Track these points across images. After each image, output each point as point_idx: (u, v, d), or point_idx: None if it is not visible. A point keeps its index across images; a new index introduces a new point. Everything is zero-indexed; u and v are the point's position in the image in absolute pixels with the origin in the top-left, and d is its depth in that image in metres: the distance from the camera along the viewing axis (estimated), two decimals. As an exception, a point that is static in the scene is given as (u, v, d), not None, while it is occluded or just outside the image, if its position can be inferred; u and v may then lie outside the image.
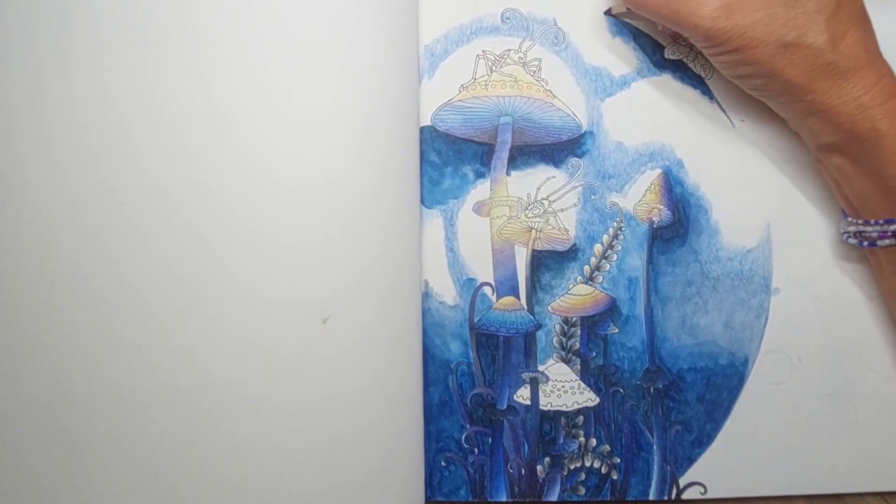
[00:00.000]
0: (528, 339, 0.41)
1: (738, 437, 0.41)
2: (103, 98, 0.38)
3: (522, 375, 0.41)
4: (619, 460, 0.41)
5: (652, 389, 0.41)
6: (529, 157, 0.42)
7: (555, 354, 0.42)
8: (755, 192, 0.42)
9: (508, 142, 0.42)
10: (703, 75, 0.42)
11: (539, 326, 0.42)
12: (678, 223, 0.42)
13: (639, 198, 0.42)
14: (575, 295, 0.42)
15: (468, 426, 0.41)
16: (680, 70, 0.42)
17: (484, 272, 0.41)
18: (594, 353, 0.42)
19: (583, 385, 0.41)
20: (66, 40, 0.38)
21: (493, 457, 0.41)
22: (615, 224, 0.42)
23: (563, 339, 0.42)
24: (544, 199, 0.42)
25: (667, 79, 0.42)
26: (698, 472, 0.41)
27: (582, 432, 0.41)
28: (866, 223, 0.38)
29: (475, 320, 0.41)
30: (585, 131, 0.42)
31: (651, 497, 0.41)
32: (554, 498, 0.41)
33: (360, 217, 0.39)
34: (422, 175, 0.41)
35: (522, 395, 0.41)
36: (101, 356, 0.38)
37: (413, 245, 0.41)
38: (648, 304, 0.42)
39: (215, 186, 0.38)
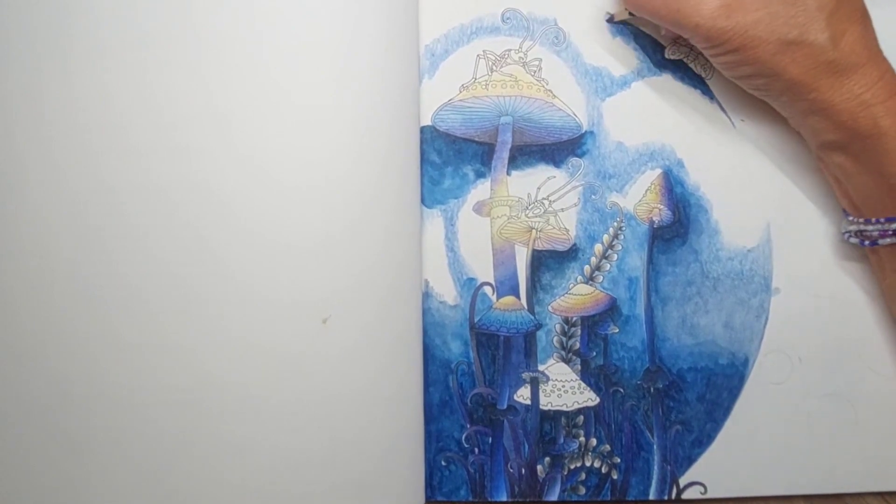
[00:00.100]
0: (529, 338, 0.41)
1: (738, 437, 0.41)
2: (103, 98, 0.38)
3: (523, 375, 0.41)
4: (619, 460, 0.41)
5: (652, 389, 0.41)
6: (530, 157, 0.42)
7: (555, 354, 0.42)
8: (755, 192, 0.42)
9: (509, 142, 0.42)
10: (703, 75, 0.42)
11: (539, 326, 0.42)
12: (678, 223, 0.42)
13: (639, 198, 0.42)
14: (575, 295, 0.42)
15: (468, 426, 0.41)
16: (680, 70, 0.42)
17: (484, 272, 0.41)
18: (594, 353, 0.42)
19: (583, 385, 0.41)
20: (66, 40, 0.38)
21: (493, 456, 0.41)
22: (615, 224, 0.42)
23: (564, 339, 0.42)
24: (545, 199, 0.42)
25: (667, 79, 0.42)
26: (698, 472, 0.41)
27: (582, 432, 0.41)
28: (867, 222, 0.38)
29: (475, 320, 0.41)
30: (586, 131, 0.42)
31: (651, 497, 0.41)
32: (554, 498, 0.41)
33: (360, 217, 0.39)
34: (422, 175, 0.41)
35: (523, 395, 0.41)
36: (101, 356, 0.38)
37: (413, 245, 0.41)
38: (649, 304, 0.42)
39: (215, 186, 0.38)
